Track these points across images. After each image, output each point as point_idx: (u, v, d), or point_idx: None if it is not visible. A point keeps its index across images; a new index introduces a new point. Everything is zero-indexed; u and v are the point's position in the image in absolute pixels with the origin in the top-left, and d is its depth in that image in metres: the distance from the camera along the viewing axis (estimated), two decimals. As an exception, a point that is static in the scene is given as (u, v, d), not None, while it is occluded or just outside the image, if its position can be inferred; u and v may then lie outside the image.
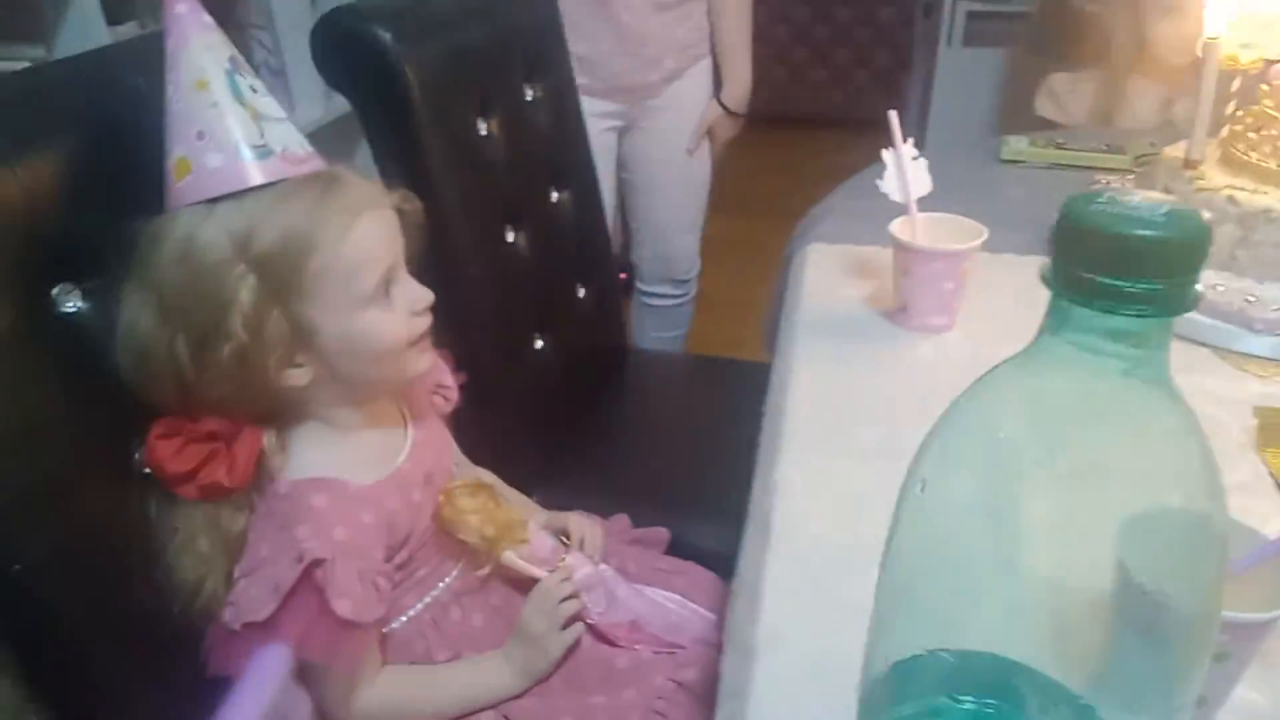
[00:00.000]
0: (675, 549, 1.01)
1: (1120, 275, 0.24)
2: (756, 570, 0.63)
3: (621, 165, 1.71)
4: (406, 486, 0.73)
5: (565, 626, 0.77)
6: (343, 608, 0.64)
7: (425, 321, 0.73)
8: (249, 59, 2.11)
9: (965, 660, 0.28)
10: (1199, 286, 0.25)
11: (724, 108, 1.72)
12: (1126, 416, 0.26)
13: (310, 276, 0.66)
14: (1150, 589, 0.26)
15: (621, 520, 1.02)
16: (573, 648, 0.78)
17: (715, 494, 0.87)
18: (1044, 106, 1.73)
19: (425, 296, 0.72)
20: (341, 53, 0.97)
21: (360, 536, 0.68)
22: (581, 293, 1.32)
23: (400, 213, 0.73)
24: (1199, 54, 0.93)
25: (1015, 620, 0.27)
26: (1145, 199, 0.25)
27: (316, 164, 0.70)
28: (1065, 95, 1.70)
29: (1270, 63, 0.96)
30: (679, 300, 1.89)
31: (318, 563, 0.64)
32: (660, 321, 1.92)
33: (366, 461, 0.72)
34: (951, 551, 0.28)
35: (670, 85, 1.64)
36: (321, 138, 1.05)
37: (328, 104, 2.01)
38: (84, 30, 1.50)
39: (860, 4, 4.18)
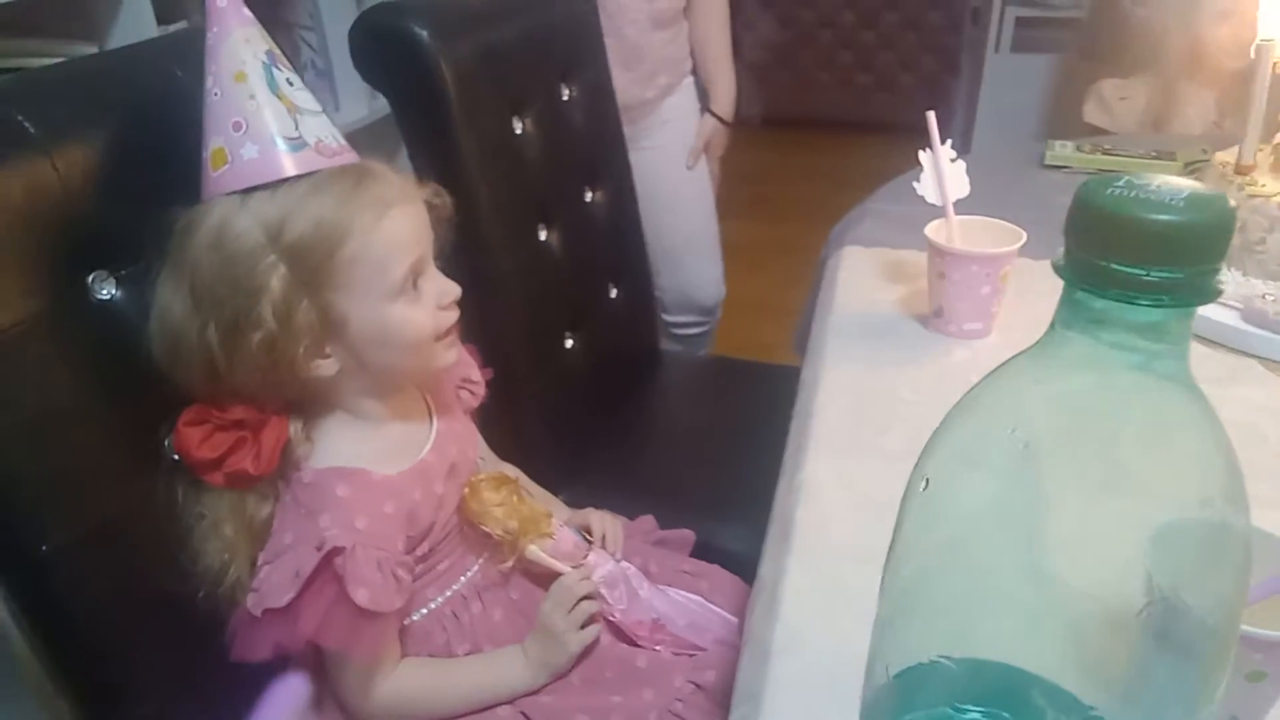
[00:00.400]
0: (701, 551, 1.00)
1: (1137, 262, 0.23)
2: (776, 572, 0.62)
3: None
4: (430, 478, 0.74)
5: (584, 625, 0.77)
6: (361, 596, 0.64)
7: (452, 315, 0.73)
8: (295, 58, 2.15)
9: (970, 669, 0.26)
10: (1223, 277, 0.24)
11: (717, 118, 1.73)
12: (1143, 413, 0.25)
13: (340, 267, 0.66)
14: (1166, 595, 0.24)
15: (647, 521, 1.01)
16: (592, 645, 0.78)
17: (742, 497, 0.86)
18: (1092, 113, 1.69)
19: (453, 290, 0.72)
20: (378, 49, 0.98)
21: (381, 526, 0.68)
22: (614, 293, 1.32)
23: (430, 207, 0.73)
24: (1252, 58, 0.91)
25: (1023, 627, 0.26)
26: (1165, 183, 0.24)
27: (350, 157, 0.70)
28: (1114, 101, 1.66)
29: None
30: (704, 329, 1.85)
31: (337, 551, 0.65)
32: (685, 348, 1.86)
33: (390, 452, 0.72)
34: (956, 554, 0.27)
35: (664, 102, 1.65)
36: (365, 136, 1.06)
37: (372, 104, 2.03)
38: (136, 29, 1.53)
39: (907, 9, 4.14)
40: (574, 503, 0.97)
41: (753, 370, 1.48)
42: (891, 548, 0.29)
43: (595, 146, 1.28)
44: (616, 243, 1.33)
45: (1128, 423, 0.25)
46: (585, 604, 0.77)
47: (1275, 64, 0.91)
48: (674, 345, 1.84)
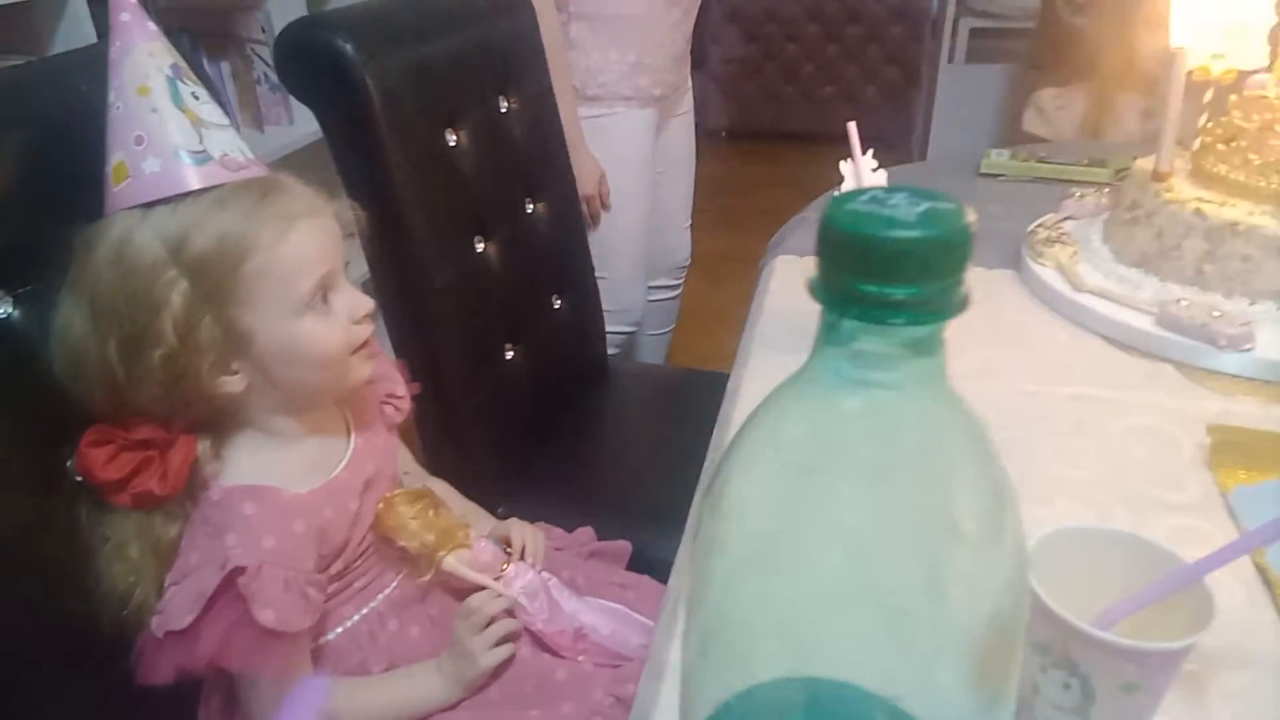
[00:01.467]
0: (640, 562, 1.00)
1: (879, 281, 0.23)
2: (682, 586, 0.61)
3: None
4: (343, 495, 0.73)
5: (499, 643, 0.76)
6: (266, 617, 0.63)
7: (365, 330, 0.72)
8: (248, 73, 2.14)
9: (771, 695, 0.26)
10: (964, 289, 0.24)
11: None
12: (904, 428, 0.25)
13: (244, 281, 0.66)
14: (929, 604, 0.24)
15: (585, 533, 1.01)
16: (510, 659, 0.77)
17: (683, 507, 0.86)
18: (1030, 121, 1.72)
19: (365, 305, 0.72)
20: (302, 63, 0.97)
21: (290, 545, 0.67)
22: (557, 304, 1.32)
23: (343, 221, 0.73)
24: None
25: (820, 646, 0.26)
26: (908, 197, 0.24)
27: (256, 170, 0.70)
28: (1052, 110, 1.68)
29: (1241, 74, 0.94)
30: (674, 293, 1.95)
31: (240, 570, 0.64)
32: (655, 317, 1.94)
33: (302, 470, 0.71)
34: (739, 590, 0.27)
35: (684, 86, 1.72)
36: (319, 151, 1.06)
37: (323, 117, 2.02)
38: (77, 41, 1.52)
39: (870, 21, 4.18)
40: (516, 515, 0.96)
41: (700, 379, 1.48)
42: (690, 589, 0.29)
43: (536, 158, 1.27)
44: (559, 253, 1.33)
45: (888, 438, 0.25)
46: (499, 623, 0.76)
47: (1189, 72, 0.92)
48: (647, 314, 1.89)
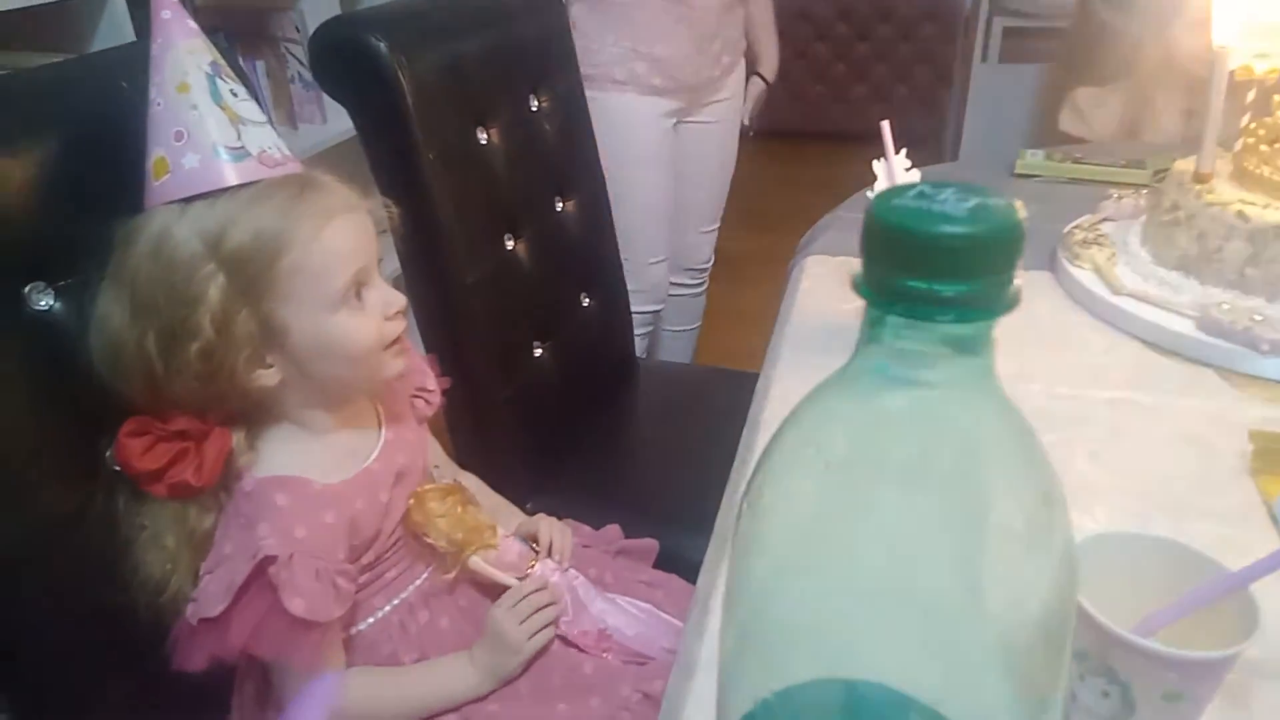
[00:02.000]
0: (667, 561, 1.00)
1: (926, 277, 0.22)
2: (710, 585, 0.61)
3: (675, 159, 1.74)
4: (374, 486, 0.73)
5: (537, 632, 0.76)
6: (297, 606, 0.64)
7: (398, 325, 0.73)
8: (281, 72, 2.16)
9: (809, 696, 0.26)
10: (1015, 286, 0.23)
11: (764, 81, 1.88)
12: (950, 428, 0.24)
13: (280, 276, 0.66)
14: (971, 608, 0.24)
15: (612, 530, 1.01)
16: (540, 651, 0.77)
17: (710, 507, 0.85)
18: (1067, 122, 1.69)
19: (397, 301, 0.72)
20: (336, 61, 0.98)
21: (321, 535, 0.68)
22: (586, 302, 1.32)
23: (376, 218, 0.73)
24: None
25: (859, 648, 0.26)
26: (956, 193, 0.23)
27: (293, 167, 0.70)
28: (1089, 110, 1.66)
29: (1288, 73, 0.92)
30: (696, 290, 1.96)
31: (271, 560, 0.64)
32: (677, 314, 1.95)
33: (334, 461, 0.72)
34: (778, 590, 0.26)
35: (726, 79, 1.73)
36: (352, 149, 1.07)
37: (356, 115, 2.04)
38: (115, 40, 1.54)
39: (901, 20, 4.15)
40: (544, 511, 0.96)
41: (729, 378, 1.47)
42: (727, 590, 0.29)
43: (566, 157, 1.28)
44: (589, 252, 1.33)
45: (935, 437, 0.25)
46: (542, 612, 0.77)
47: (1231, 72, 0.90)
48: (667, 310, 1.92)
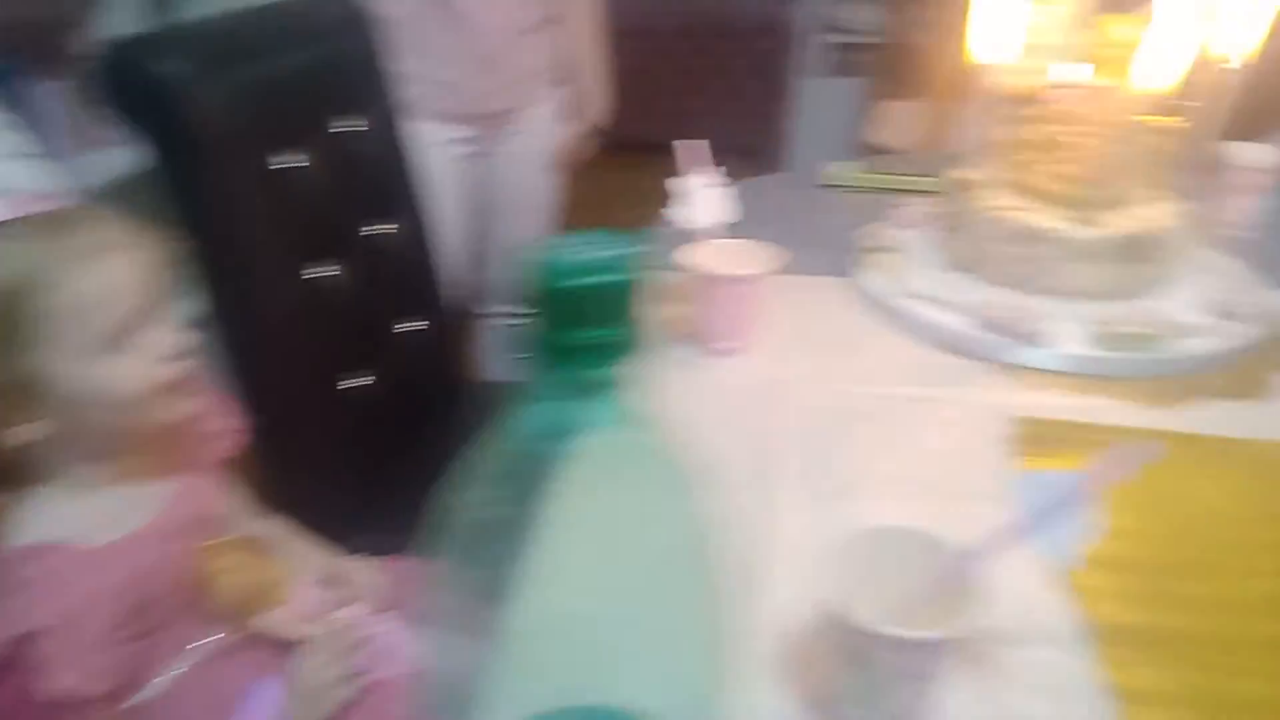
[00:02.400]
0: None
1: (562, 327, 0.23)
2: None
3: (475, 189, 1.71)
4: (160, 541, 0.69)
5: (338, 682, 0.74)
6: (59, 682, 0.60)
7: (174, 368, 0.69)
8: (85, 93, 2.03)
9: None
10: (640, 330, 0.24)
11: (586, 127, 1.81)
12: (609, 463, 0.26)
13: (37, 321, 0.62)
14: (656, 614, 0.25)
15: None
16: (357, 700, 0.75)
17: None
18: (875, 133, 1.79)
19: (175, 342, 0.69)
20: (121, 86, 0.93)
21: (87, 603, 0.64)
22: (410, 327, 1.30)
23: (162, 253, 0.70)
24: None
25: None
26: (593, 246, 0.24)
27: (55, 204, 0.66)
28: (896, 122, 1.76)
29: (1045, 87, 1.01)
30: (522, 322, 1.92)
31: (28, 637, 0.60)
32: (515, 341, 1.92)
33: (109, 519, 0.68)
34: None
35: (526, 111, 1.68)
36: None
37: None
38: None
39: (739, 37, 4.28)
40: (374, 546, 0.93)
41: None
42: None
43: (381, 180, 1.25)
44: (411, 275, 1.30)
45: (599, 473, 0.26)
46: (343, 662, 0.74)
47: (1010, 86, 0.98)
48: (504, 338, 1.87)
